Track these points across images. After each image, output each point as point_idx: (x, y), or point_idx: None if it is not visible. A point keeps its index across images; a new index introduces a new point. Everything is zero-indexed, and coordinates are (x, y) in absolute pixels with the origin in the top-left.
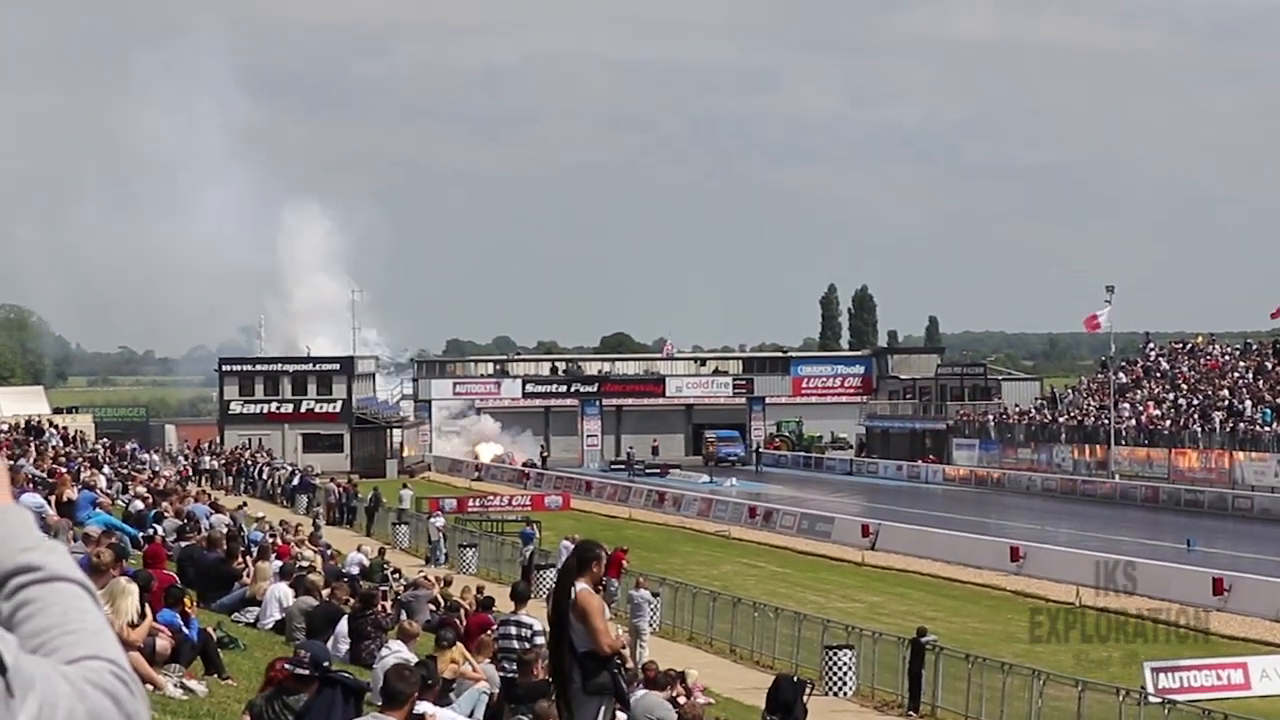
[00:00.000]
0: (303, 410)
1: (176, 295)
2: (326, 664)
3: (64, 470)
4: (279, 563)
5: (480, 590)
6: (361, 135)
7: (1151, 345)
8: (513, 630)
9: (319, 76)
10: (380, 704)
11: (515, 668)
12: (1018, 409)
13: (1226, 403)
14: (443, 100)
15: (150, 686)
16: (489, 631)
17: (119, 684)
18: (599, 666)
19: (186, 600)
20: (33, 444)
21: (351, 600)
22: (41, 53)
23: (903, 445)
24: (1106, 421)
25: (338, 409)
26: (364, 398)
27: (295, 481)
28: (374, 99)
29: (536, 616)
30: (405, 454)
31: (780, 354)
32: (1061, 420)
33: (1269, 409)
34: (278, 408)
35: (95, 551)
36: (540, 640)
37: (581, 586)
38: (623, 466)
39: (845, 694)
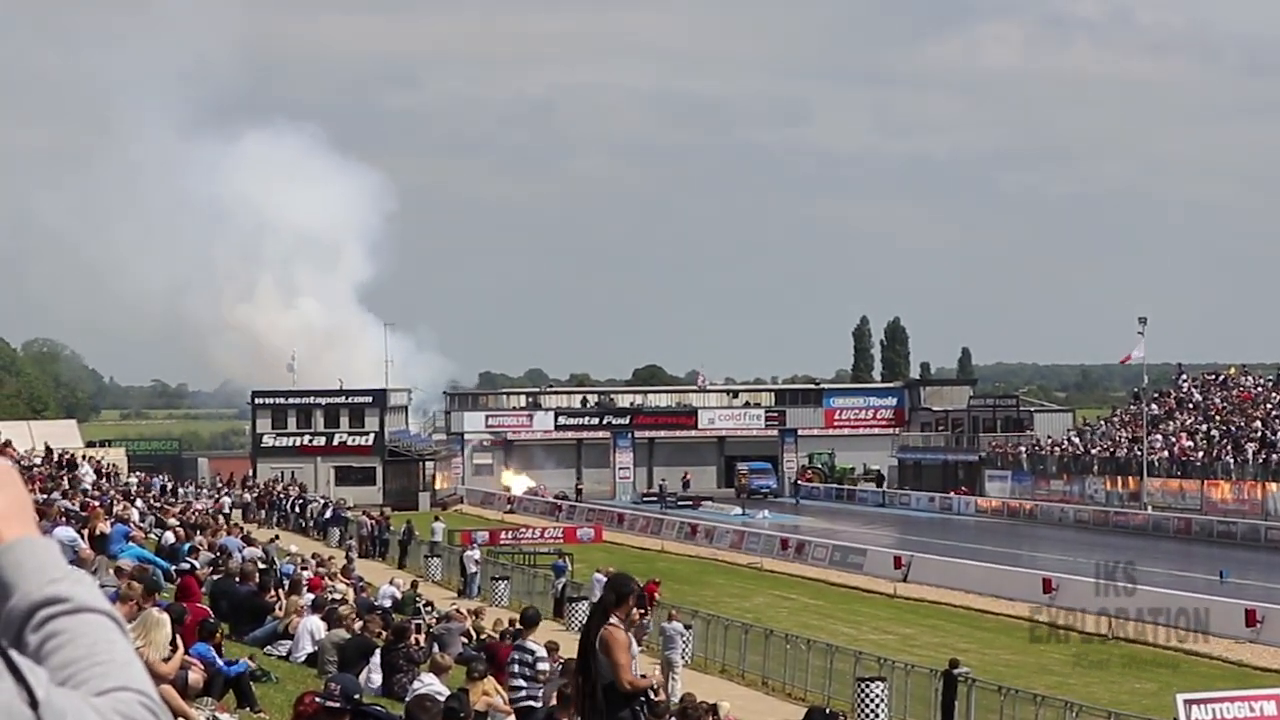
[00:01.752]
0: (335, 443)
1: (210, 335)
2: (357, 696)
3: (97, 504)
4: (311, 596)
5: (512, 623)
6: (392, 168)
7: (1184, 376)
8: (517, 656)
9: (349, 108)
10: None
11: (523, 691)
12: (1050, 440)
13: (1259, 434)
14: (473, 132)
15: None
16: None
17: (149, 714)
18: (621, 701)
19: (218, 634)
20: (65, 477)
21: (384, 633)
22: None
23: (935, 477)
24: (1139, 453)
25: (370, 441)
26: (396, 430)
27: (328, 514)
28: (403, 131)
29: (539, 643)
30: (438, 486)
31: (813, 385)
32: (1094, 452)
33: None
34: (310, 440)
35: (126, 583)
36: (544, 666)
37: (611, 621)
38: (655, 499)
39: None
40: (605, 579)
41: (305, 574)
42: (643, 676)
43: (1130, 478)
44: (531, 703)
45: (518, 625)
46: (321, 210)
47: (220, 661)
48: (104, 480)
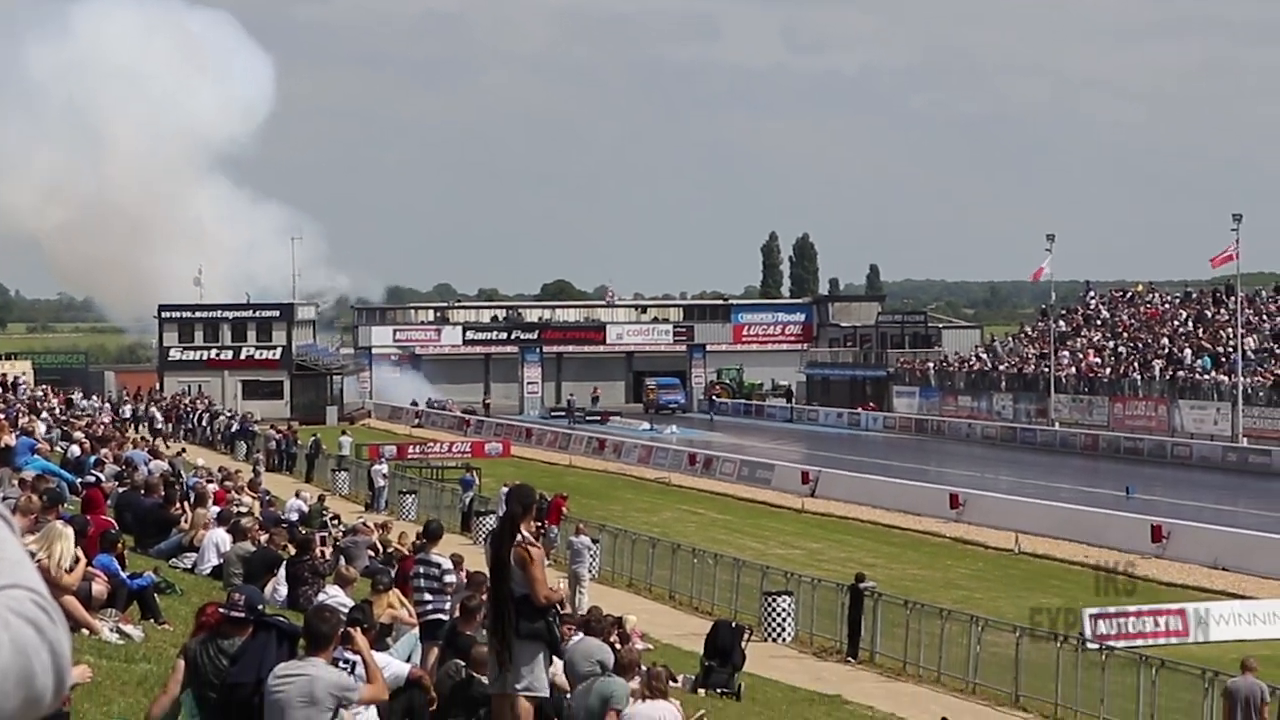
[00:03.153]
0: (242, 357)
1: (118, 243)
2: (261, 607)
3: (2, 417)
4: (217, 509)
5: (418, 535)
6: (302, 80)
7: (1092, 294)
8: (421, 569)
9: (258, 19)
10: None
11: (429, 604)
12: (958, 357)
13: (1166, 351)
14: (383, 46)
15: (86, 631)
16: None
17: (40, 612)
18: (535, 614)
19: (121, 546)
20: None
21: (290, 546)
22: None
23: (843, 393)
24: (1046, 369)
25: (278, 356)
26: (304, 344)
27: (235, 428)
28: (313, 44)
29: (444, 555)
30: (345, 400)
31: (721, 301)
32: (1002, 368)
33: (1209, 357)
34: (217, 354)
35: (26, 495)
36: (449, 579)
37: (523, 534)
38: (563, 414)
39: (784, 640)
40: (508, 492)
41: (211, 487)
42: (552, 589)
43: (1038, 394)
44: (438, 615)
45: (421, 539)
46: (226, 112)
47: (124, 574)
48: (9, 393)
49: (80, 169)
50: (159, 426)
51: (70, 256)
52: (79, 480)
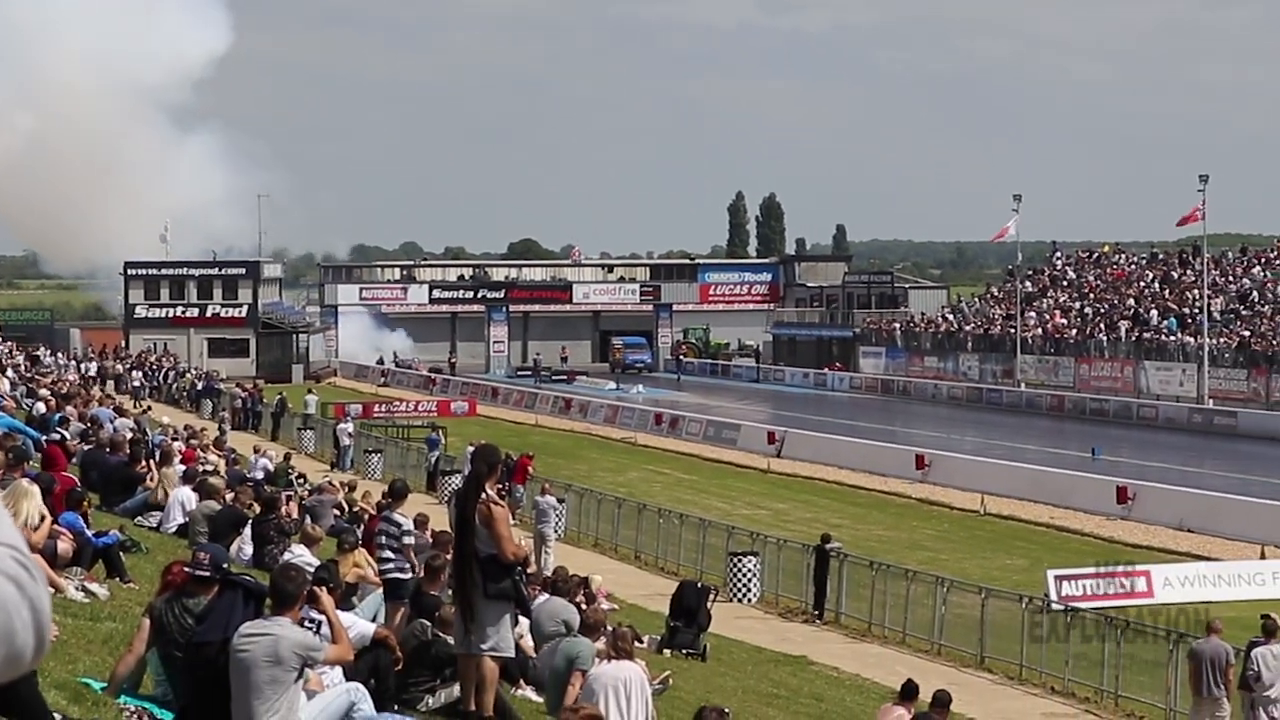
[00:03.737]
0: (208, 315)
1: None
2: (226, 565)
3: None
4: (183, 467)
5: (383, 495)
6: (265, 39)
7: (1058, 254)
8: (384, 527)
9: None
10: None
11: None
12: (924, 317)
13: (1132, 312)
14: (350, 5)
15: (51, 589)
16: None
17: (20, 569)
18: (502, 572)
19: (86, 504)
20: None
21: (255, 505)
22: None
23: (810, 353)
24: (1013, 330)
25: (244, 313)
26: (270, 302)
27: (200, 386)
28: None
29: (407, 515)
30: (311, 358)
31: (688, 261)
32: (968, 329)
33: (1175, 318)
34: (183, 312)
35: None
36: (409, 539)
37: (489, 493)
38: (529, 373)
39: (750, 600)
40: (474, 451)
41: (177, 445)
42: (519, 546)
43: (1004, 355)
44: (399, 574)
45: (387, 498)
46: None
47: (89, 532)
48: None
49: (22, 114)
50: (137, 385)
51: (15, 208)
52: (44, 438)
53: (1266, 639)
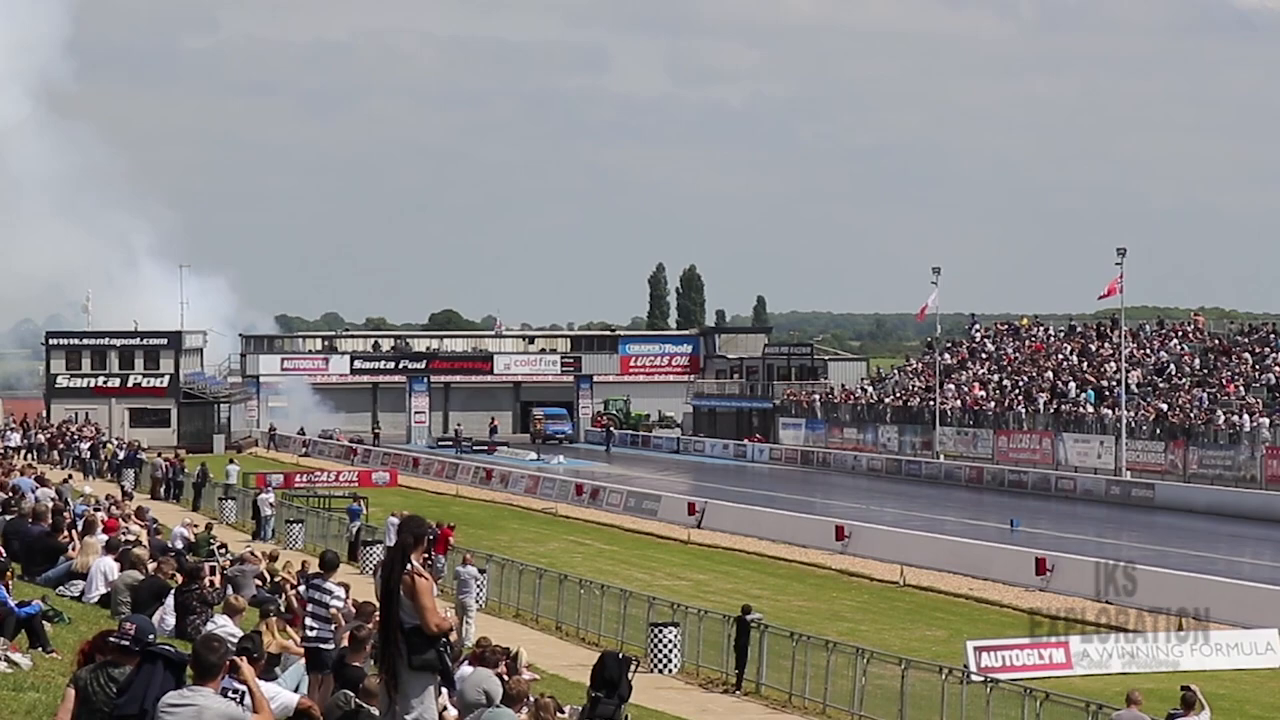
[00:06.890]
0: (130, 385)
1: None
2: (152, 637)
3: None
4: (105, 537)
5: (305, 566)
6: (188, 110)
7: (977, 326)
8: (312, 595)
9: (146, 48)
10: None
11: (315, 632)
12: (844, 389)
13: (1050, 384)
14: (271, 75)
15: None
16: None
17: None
18: (426, 644)
19: (8, 574)
20: None
21: (178, 575)
22: None
23: (730, 424)
24: (932, 402)
25: (165, 383)
26: (191, 372)
27: (122, 456)
28: (201, 73)
29: (339, 585)
30: (232, 429)
31: (608, 332)
32: (887, 400)
33: (1093, 391)
34: (105, 381)
35: None
36: (337, 604)
37: (414, 564)
38: (450, 443)
39: (670, 671)
40: (399, 522)
41: (99, 515)
42: (443, 618)
43: (923, 427)
44: (321, 645)
45: (316, 569)
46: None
47: (12, 602)
48: None
49: None
50: (77, 455)
51: None
52: None
53: (1185, 711)
